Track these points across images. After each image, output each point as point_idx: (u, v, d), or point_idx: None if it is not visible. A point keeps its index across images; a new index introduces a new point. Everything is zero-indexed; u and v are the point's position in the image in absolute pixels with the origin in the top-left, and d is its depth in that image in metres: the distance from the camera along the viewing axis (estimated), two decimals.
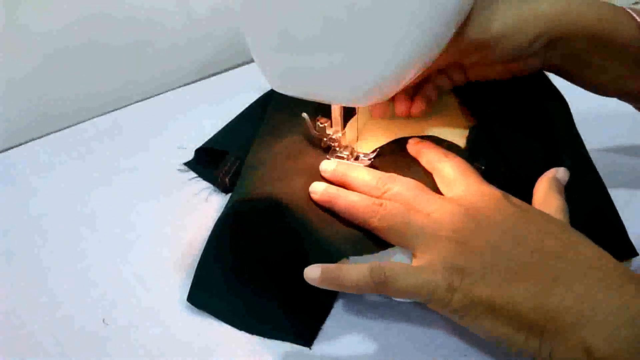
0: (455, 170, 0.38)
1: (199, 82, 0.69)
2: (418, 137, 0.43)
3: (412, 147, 0.42)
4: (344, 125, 0.43)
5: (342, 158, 0.43)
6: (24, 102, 0.59)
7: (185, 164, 0.52)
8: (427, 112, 0.44)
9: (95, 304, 0.40)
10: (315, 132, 0.43)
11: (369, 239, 0.37)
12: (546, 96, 0.44)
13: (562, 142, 0.42)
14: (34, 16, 0.57)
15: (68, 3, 0.58)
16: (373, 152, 0.43)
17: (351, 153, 0.43)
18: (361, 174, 0.39)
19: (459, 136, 0.44)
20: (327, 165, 0.41)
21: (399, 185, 0.37)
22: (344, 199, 0.37)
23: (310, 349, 0.36)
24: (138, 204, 0.49)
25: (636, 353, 0.28)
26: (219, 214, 0.41)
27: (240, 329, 0.37)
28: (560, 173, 0.39)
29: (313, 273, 0.33)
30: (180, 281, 0.41)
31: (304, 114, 0.42)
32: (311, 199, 0.39)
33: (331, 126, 0.42)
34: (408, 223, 0.35)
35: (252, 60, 0.42)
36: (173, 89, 0.67)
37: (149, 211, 0.48)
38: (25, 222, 0.48)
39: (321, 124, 0.42)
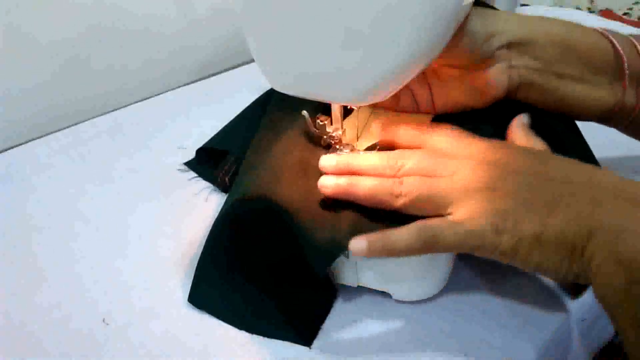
0: (449, 138, 0.38)
1: (199, 82, 0.69)
2: None
3: (384, 132, 0.41)
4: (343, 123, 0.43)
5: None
6: (24, 102, 0.59)
7: (186, 163, 0.52)
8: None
9: (95, 303, 0.40)
10: (315, 130, 0.43)
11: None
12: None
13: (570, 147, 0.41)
14: (34, 17, 0.57)
15: (68, 4, 0.58)
16: (373, 147, 0.43)
17: (351, 150, 0.43)
18: (367, 159, 0.38)
19: None
20: (328, 161, 0.39)
21: (412, 159, 0.37)
22: (362, 187, 0.37)
23: (310, 348, 0.36)
24: (138, 203, 0.49)
25: None
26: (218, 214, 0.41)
27: (241, 329, 0.37)
28: (525, 119, 0.40)
29: (359, 244, 0.34)
30: (180, 281, 0.41)
31: (304, 112, 0.42)
32: (309, 198, 0.38)
33: (331, 124, 0.42)
34: (435, 190, 0.35)
35: (252, 60, 0.42)
36: (173, 89, 0.68)
37: (148, 211, 0.48)
38: (25, 222, 0.48)
39: (321, 121, 0.42)
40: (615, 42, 0.41)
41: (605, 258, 0.31)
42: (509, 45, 0.40)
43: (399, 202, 0.36)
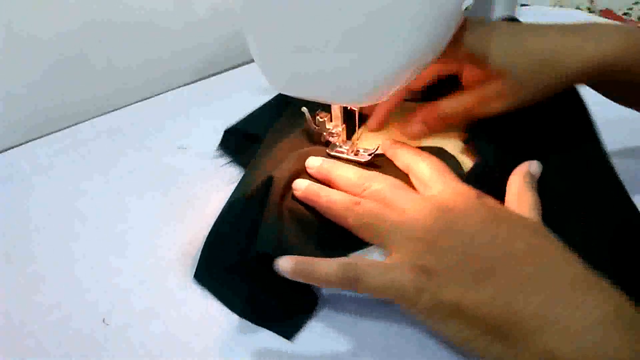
0: (430, 169, 0.38)
1: (199, 82, 0.69)
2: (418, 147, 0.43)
3: (388, 149, 0.42)
4: (344, 121, 0.43)
5: (342, 153, 0.43)
6: (24, 102, 0.59)
7: (220, 147, 0.52)
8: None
9: (95, 304, 0.40)
10: (315, 126, 0.43)
11: (338, 241, 0.37)
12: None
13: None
14: (34, 17, 0.57)
15: (68, 4, 0.58)
16: (374, 151, 0.43)
17: (351, 148, 0.43)
18: (344, 171, 0.40)
19: (458, 149, 0.43)
20: (313, 162, 0.41)
21: (378, 183, 0.38)
22: (325, 197, 0.38)
23: (291, 341, 0.36)
24: (138, 203, 0.49)
25: (599, 359, 0.28)
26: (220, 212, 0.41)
27: (235, 313, 0.38)
28: (533, 167, 0.38)
29: (286, 264, 0.33)
30: (180, 281, 0.41)
31: (304, 109, 0.42)
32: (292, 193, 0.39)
33: (331, 120, 0.42)
34: (382, 221, 0.35)
35: (252, 60, 0.42)
36: (173, 89, 0.68)
37: (148, 211, 0.48)
38: (25, 222, 0.48)
39: (321, 118, 0.42)
40: None
41: (525, 349, 0.29)
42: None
43: (349, 221, 0.36)
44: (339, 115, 0.42)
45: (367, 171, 0.40)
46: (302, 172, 0.42)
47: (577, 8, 1.13)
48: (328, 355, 0.36)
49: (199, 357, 0.36)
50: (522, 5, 0.80)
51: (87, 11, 0.60)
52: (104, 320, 0.38)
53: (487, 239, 0.32)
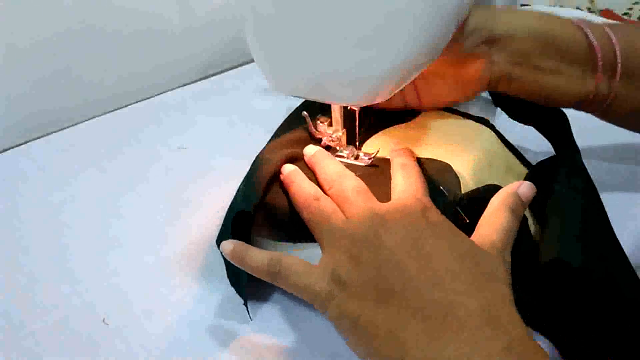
0: (403, 179, 0.38)
1: (199, 82, 0.69)
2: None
3: (390, 154, 0.42)
4: (344, 125, 0.43)
5: (342, 157, 0.43)
6: (23, 103, 0.59)
7: None
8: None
9: (95, 304, 0.40)
10: (315, 131, 0.43)
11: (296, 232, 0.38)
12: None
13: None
14: (34, 17, 0.57)
15: (68, 3, 0.58)
16: (373, 155, 0.43)
17: (351, 152, 0.43)
18: (327, 165, 0.40)
19: (467, 170, 0.41)
20: (309, 150, 0.42)
21: (343, 183, 0.38)
22: (296, 185, 0.38)
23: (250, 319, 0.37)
24: (137, 204, 0.49)
25: None
26: (223, 213, 0.41)
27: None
28: (523, 188, 0.37)
29: (226, 246, 0.35)
30: (181, 281, 0.41)
31: (304, 113, 0.42)
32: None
33: (331, 125, 0.42)
34: (326, 223, 0.35)
35: (252, 61, 0.42)
36: (173, 89, 0.68)
37: (148, 211, 0.48)
38: (24, 222, 0.48)
39: (321, 123, 0.42)
40: (590, 33, 0.41)
41: None
42: (489, 41, 0.41)
43: (303, 214, 0.37)
44: (339, 119, 0.42)
45: (344, 169, 0.39)
46: (297, 159, 0.42)
47: (577, 8, 1.13)
48: (327, 355, 0.36)
49: (198, 357, 0.36)
50: (522, 5, 0.80)
51: (89, 12, 0.60)
52: (104, 321, 0.38)
53: (407, 258, 0.32)
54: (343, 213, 0.36)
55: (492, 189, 0.37)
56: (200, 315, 0.39)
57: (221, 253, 0.38)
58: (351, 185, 0.37)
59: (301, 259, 0.34)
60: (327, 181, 0.39)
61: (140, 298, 0.40)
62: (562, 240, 0.35)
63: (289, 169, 0.40)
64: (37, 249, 0.45)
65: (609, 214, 0.39)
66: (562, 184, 0.40)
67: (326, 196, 0.38)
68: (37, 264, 0.43)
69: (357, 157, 0.43)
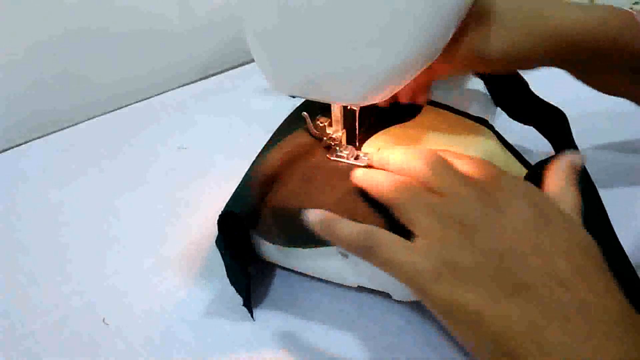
0: (468, 156, 0.36)
1: (199, 82, 0.69)
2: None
3: (374, 158, 0.40)
4: (344, 126, 0.43)
5: (342, 157, 0.43)
6: (24, 102, 0.59)
7: None
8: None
9: (95, 304, 0.40)
10: (315, 131, 0.43)
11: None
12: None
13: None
14: (34, 17, 0.57)
15: (68, 3, 0.58)
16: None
17: (351, 152, 0.43)
18: (394, 153, 0.37)
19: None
20: (375, 156, 0.39)
21: (419, 160, 0.35)
22: (373, 179, 0.36)
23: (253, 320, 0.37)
24: (137, 203, 0.49)
25: None
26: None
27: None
28: (576, 159, 0.35)
29: (314, 216, 0.33)
30: (181, 281, 0.41)
31: (304, 113, 0.42)
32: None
33: (331, 125, 0.42)
34: (420, 198, 0.32)
35: (252, 60, 0.42)
36: (173, 89, 0.68)
37: (148, 211, 0.48)
38: (24, 222, 0.48)
39: (321, 123, 0.42)
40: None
41: None
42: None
43: (387, 197, 0.34)
44: (340, 120, 0.42)
45: (408, 155, 0.37)
46: (296, 158, 0.42)
47: None
48: (327, 355, 0.36)
49: (198, 357, 0.36)
50: None
51: (89, 12, 0.60)
52: (104, 321, 0.38)
53: (528, 248, 0.29)
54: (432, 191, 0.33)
55: None
56: (200, 315, 0.39)
57: (221, 253, 0.38)
58: (426, 160, 0.34)
59: (393, 234, 0.31)
60: (401, 164, 0.36)
61: (140, 298, 0.40)
62: None
63: (361, 171, 0.38)
64: (37, 248, 0.45)
65: (608, 214, 0.39)
66: None
67: (409, 178, 0.34)
68: (37, 264, 0.44)
69: (357, 157, 0.43)
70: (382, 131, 0.46)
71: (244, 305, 0.37)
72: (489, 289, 0.28)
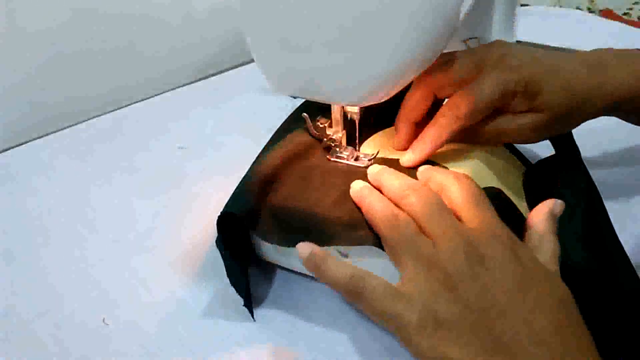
0: (464, 193, 0.35)
1: (199, 82, 0.69)
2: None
3: (423, 173, 0.39)
4: (344, 127, 0.43)
5: (342, 158, 0.43)
6: (23, 102, 0.59)
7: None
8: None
9: (96, 303, 0.40)
10: (315, 132, 0.43)
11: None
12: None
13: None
14: (34, 17, 0.57)
15: (68, 3, 0.58)
16: (373, 156, 0.43)
17: (351, 153, 0.43)
18: (391, 178, 0.38)
19: (464, 167, 0.41)
20: (371, 170, 0.40)
21: (416, 197, 0.35)
22: (368, 202, 0.36)
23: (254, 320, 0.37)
24: (138, 203, 0.49)
25: None
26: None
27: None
28: (557, 207, 0.35)
29: (303, 250, 0.34)
30: (181, 280, 0.41)
31: (304, 114, 0.43)
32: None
33: (331, 126, 0.42)
34: (411, 246, 0.33)
35: (252, 60, 0.42)
36: (173, 89, 0.68)
37: (149, 211, 0.48)
38: (25, 222, 0.48)
39: (321, 124, 0.42)
40: None
41: None
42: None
43: (382, 232, 0.35)
44: (340, 120, 0.42)
45: (410, 179, 0.37)
46: (296, 158, 0.42)
47: (577, 8, 1.13)
48: (328, 356, 0.36)
49: (198, 356, 0.36)
50: (522, 5, 0.80)
51: (88, 11, 0.60)
52: (104, 320, 0.38)
53: (512, 306, 0.29)
54: (423, 231, 0.33)
55: (492, 195, 0.37)
56: (200, 315, 0.39)
57: (221, 253, 0.38)
58: (423, 198, 0.35)
59: (386, 280, 0.32)
60: (397, 194, 0.36)
61: (140, 298, 0.40)
62: (565, 242, 0.35)
63: (358, 185, 0.38)
64: (37, 248, 0.45)
65: (610, 214, 0.39)
66: (565, 185, 0.40)
67: (404, 213, 0.35)
68: (37, 264, 0.43)
69: (357, 158, 0.43)
70: (382, 131, 0.46)
71: (245, 305, 0.37)
72: (470, 344, 0.29)
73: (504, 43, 0.42)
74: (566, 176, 0.41)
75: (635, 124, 0.45)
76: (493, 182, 0.40)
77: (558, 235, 0.34)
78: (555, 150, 0.45)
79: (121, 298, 0.40)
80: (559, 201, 0.36)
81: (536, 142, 0.43)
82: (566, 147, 0.44)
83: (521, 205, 0.40)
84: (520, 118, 0.40)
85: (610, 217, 0.39)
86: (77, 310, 0.39)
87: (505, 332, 0.29)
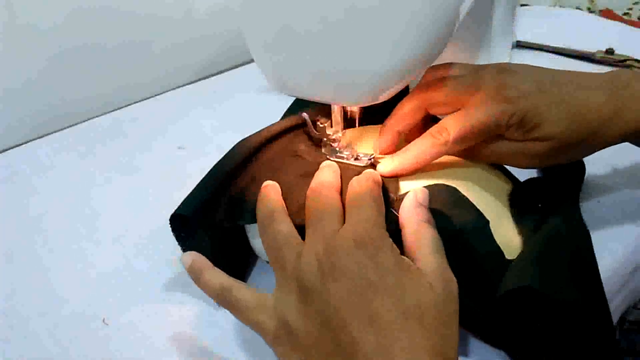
0: (351, 193, 0.35)
1: (199, 82, 0.69)
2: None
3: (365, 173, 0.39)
4: (344, 127, 0.43)
5: (342, 157, 0.43)
6: (24, 102, 0.59)
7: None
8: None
9: (96, 303, 0.40)
10: (315, 132, 0.43)
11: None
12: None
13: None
14: (34, 17, 0.57)
15: (68, 3, 0.58)
16: (373, 155, 0.42)
17: (351, 153, 0.43)
18: (324, 174, 0.38)
19: (455, 177, 0.40)
20: (324, 163, 0.40)
21: (318, 198, 0.35)
22: (261, 199, 0.37)
23: None
24: (138, 204, 0.49)
25: None
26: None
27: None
28: (421, 196, 0.35)
29: (186, 259, 0.36)
30: (181, 280, 0.41)
31: (304, 114, 0.43)
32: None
33: (331, 126, 0.42)
34: (279, 255, 0.34)
35: (252, 60, 0.42)
36: (173, 89, 0.68)
37: (148, 211, 0.48)
38: (25, 222, 0.48)
39: (321, 124, 0.42)
40: None
41: None
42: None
43: (260, 233, 0.36)
44: (340, 120, 0.42)
45: (333, 179, 0.37)
46: (288, 156, 0.42)
47: (577, 8, 1.13)
48: None
49: (198, 357, 0.36)
50: (522, 5, 0.80)
51: (89, 12, 0.60)
52: (103, 321, 0.39)
53: (351, 316, 0.30)
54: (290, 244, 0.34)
55: (447, 192, 0.37)
56: (200, 314, 0.39)
57: (182, 249, 0.39)
58: (321, 202, 0.35)
59: (253, 290, 0.33)
60: (310, 190, 0.36)
61: (139, 298, 0.40)
62: (553, 272, 0.34)
63: (266, 184, 0.38)
64: (37, 248, 0.45)
65: (608, 215, 0.39)
66: (557, 212, 0.39)
67: (283, 218, 0.35)
68: (37, 264, 0.44)
69: (357, 158, 0.43)
70: (360, 127, 0.45)
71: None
72: (309, 354, 0.30)
73: (507, 68, 0.40)
74: (560, 205, 0.40)
75: None
76: (484, 198, 0.39)
77: (434, 222, 0.34)
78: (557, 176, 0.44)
79: (121, 298, 0.40)
80: (420, 188, 0.36)
81: (541, 167, 0.42)
82: (572, 175, 0.43)
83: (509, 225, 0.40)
84: (520, 145, 0.39)
85: (608, 218, 0.39)
86: (77, 310, 0.40)
87: (347, 342, 0.29)
